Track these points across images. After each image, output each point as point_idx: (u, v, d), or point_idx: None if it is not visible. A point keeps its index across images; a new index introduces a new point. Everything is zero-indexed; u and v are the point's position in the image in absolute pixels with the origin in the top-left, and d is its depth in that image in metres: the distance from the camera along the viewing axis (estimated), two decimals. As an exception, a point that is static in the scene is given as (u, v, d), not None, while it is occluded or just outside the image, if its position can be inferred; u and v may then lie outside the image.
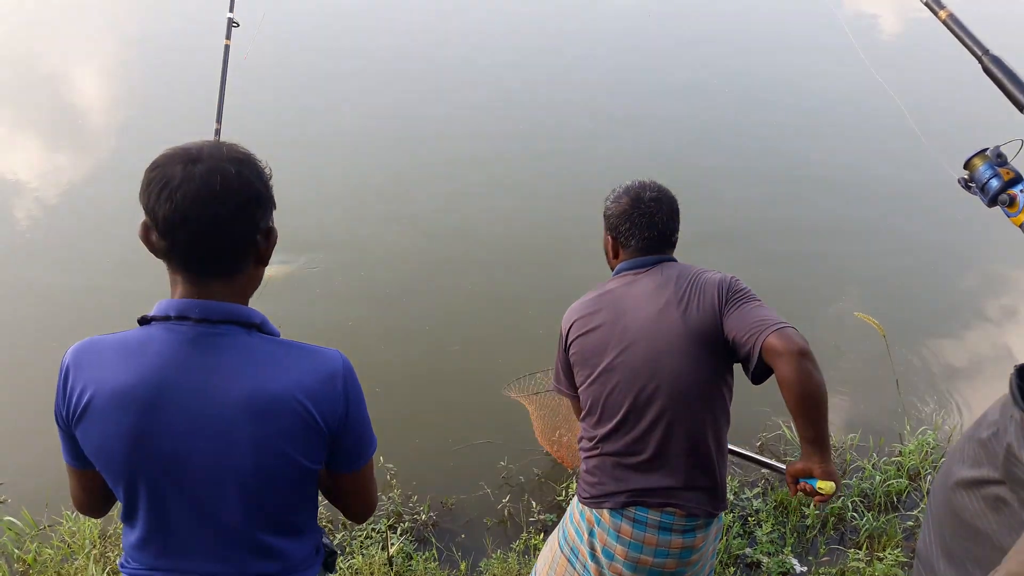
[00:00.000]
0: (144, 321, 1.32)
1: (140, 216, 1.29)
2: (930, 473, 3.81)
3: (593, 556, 2.08)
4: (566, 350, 2.17)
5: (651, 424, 1.99)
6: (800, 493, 1.92)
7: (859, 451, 3.98)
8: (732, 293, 2.00)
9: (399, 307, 5.15)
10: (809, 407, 1.82)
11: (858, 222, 6.42)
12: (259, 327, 1.34)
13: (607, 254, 2.27)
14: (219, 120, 3.02)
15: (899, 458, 3.89)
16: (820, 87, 8.96)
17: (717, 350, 1.99)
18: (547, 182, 6.71)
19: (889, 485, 3.71)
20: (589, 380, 2.09)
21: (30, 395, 4.24)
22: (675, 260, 2.17)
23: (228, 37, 2.99)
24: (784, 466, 2.02)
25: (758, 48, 10.16)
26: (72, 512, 3.43)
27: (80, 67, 9.41)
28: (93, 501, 1.49)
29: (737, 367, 2.04)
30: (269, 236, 1.36)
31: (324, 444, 1.35)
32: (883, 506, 3.66)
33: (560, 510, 3.61)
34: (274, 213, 1.39)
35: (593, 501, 2.08)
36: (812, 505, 3.53)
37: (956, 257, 6.14)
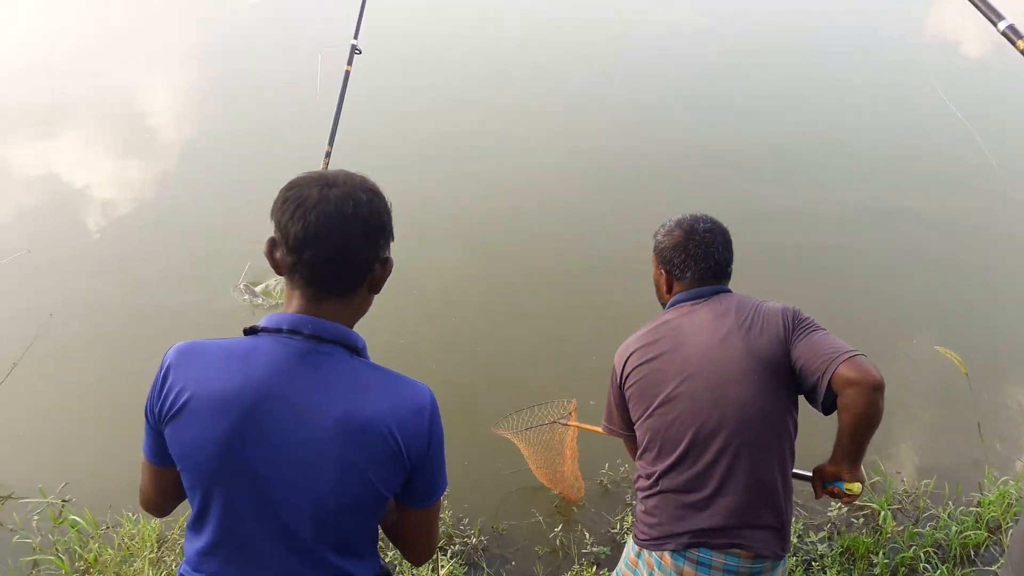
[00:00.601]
0: (251, 331, 1.36)
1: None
2: (1011, 526, 3.58)
3: None
4: (621, 386, 2.11)
5: (715, 457, 1.91)
6: (828, 496, 1.97)
7: (934, 499, 3.77)
8: (798, 322, 1.95)
9: (453, 326, 5.14)
10: (864, 434, 1.83)
11: (940, 253, 6.17)
12: (360, 352, 1.38)
13: (659, 290, 2.21)
14: (331, 143, 3.10)
15: (978, 509, 3.67)
16: (899, 119, 8.67)
17: (783, 379, 1.92)
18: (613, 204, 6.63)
19: (966, 537, 3.50)
20: (647, 413, 2.01)
21: (97, 400, 4.39)
22: (731, 291, 2.10)
23: (350, 63, 3.06)
24: (809, 473, 2.01)
25: (845, 83, 9.87)
26: (133, 514, 3.51)
27: (155, 84, 9.77)
28: (161, 500, 1.51)
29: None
30: (385, 266, 1.42)
31: (403, 475, 1.36)
32: (959, 559, 3.45)
33: (614, 543, 3.53)
34: None
35: (653, 543, 2.00)
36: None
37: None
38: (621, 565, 2.17)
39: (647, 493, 2.04)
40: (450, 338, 5.01)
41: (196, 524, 1.40)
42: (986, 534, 3.53)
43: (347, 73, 3.10)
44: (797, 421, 2.00)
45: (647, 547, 2.02)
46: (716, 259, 2.08)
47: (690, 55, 10.62)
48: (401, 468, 1.34)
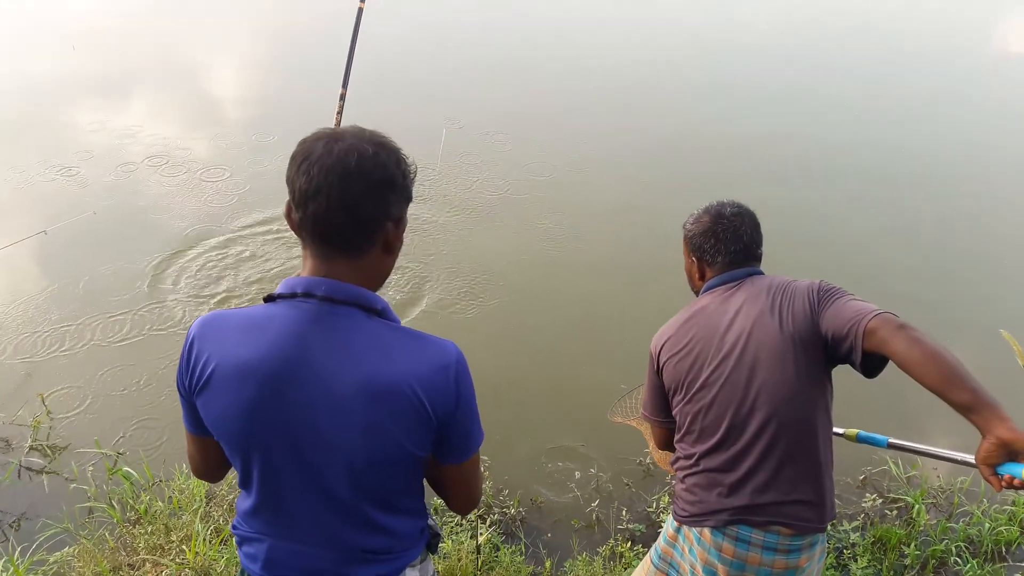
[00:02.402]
0: (270, 299, 1.36)
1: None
2: (1046, 525, 3.60)
3: (693, 574, 2.06)
4: (658, 372, 2.15)
5: (754, 436, 1.95)
6: (1007, 489, 1.57)
7: (969, 496, 3.79)
8: (823, 293, 1.96)
9: (507, 309, 5.23)
10: (941, 370, 1.61)
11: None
12: (380, 313, 1.35)
13: (691, 279, 2.24)
14: (345, 86, 2.94)
15: (1012, 507, 3.69)
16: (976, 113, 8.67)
17: (817, 354, 1.94)
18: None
19: (998, 534, 3.53)
20: (686, 398, 2.06)
21: (147, 361, 4.52)
22: (763, 273, 2.14)
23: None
24: (970, 457, 1.71)
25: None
26: (184, 469, 3.63)
27: (218, 58, 9.94)
28: (208, 467, 1.54)
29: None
30: (399, 225, 1.38)
31: (432, 433, 1.36)
32: (990, 554, 3.48)
33: (650, 521, 3.59)
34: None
35: (693, 520, 2.04)
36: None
37: None
38: (660, 541, 2.21)
39: (687, 472, 2.08)
40: (501, 322, 5.10)
41: (243, 485, 1.45)
42: (1018, 532, 3.55)
43: (360, 10, 2.90)
44: (833, 393, 2.01)
45: (687, 523, 2.06)
46: (746, 241, 2.11)
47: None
48: (428, 427, 1.34)
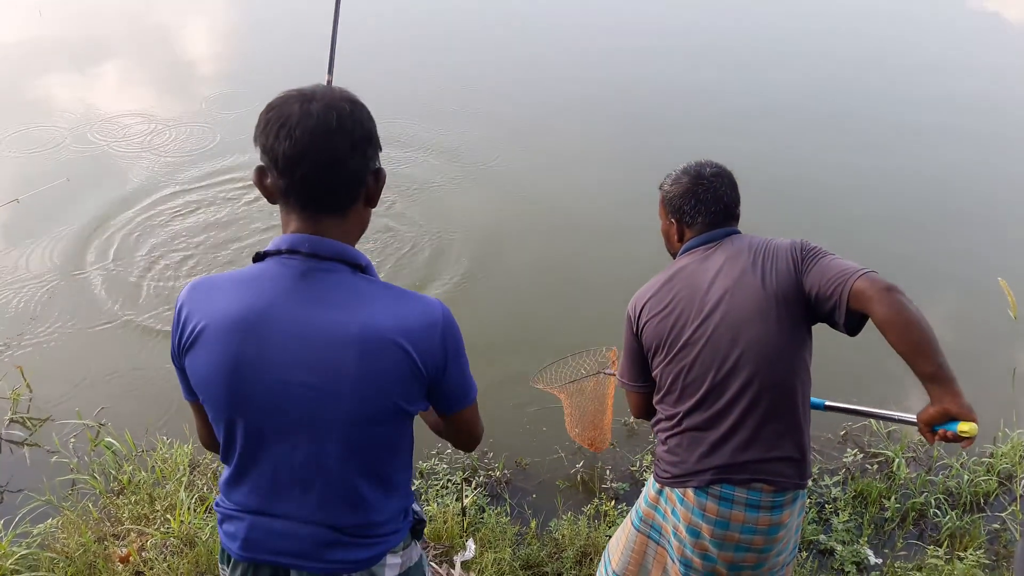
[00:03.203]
0: (259, 258, 1.36)
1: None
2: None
3: (676, 533, 2.07)
4: (637, 334, 2.13)
5: (736, 394, 1.95)
6: (940, 441, 1.75)
7: (948, 449, 3.83)
8: (806, 252, 1.96)
9: (486, 271, 5.21)
10: (916, 340, 1.71)
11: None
12: (364, 269, 1.36)
13: (668, 241, 2.22)
14: (330, 72, 2.97)
15: (991, 459, 3.74)
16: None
17: (799, 312, 1.94)
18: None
19: (977, 485, 3.59)
20: (668, 358, 2.04)
21: (134, 328, 4.48)
22: (741, 232, 2.13)
23: None
24: (913, 417, 1.88)
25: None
26: (167, 439, 3.62)
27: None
28: (214, 436, 1.49)
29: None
30: (378, 177, 1.38)
31: (423, 388, 1.37)
32: (968, 505, 3.54)
33: (634, 480, 3.62)
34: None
35: (675, 481, 2.05)
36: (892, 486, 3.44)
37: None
38: (641, 504, 2.22)
39: (669, 433, 2.08)
40: (481, 285, 5.08)
41: (225, 454, 1.42)
42: (996, 482, 3.61)
43: None
44: (812, 350, 2.03)
45: (669, 484, 2.07)
46: (726, 202, 2.10)
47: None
48: (420, 382, 1.35)
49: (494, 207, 5.93)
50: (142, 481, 3.39)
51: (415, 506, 1.55)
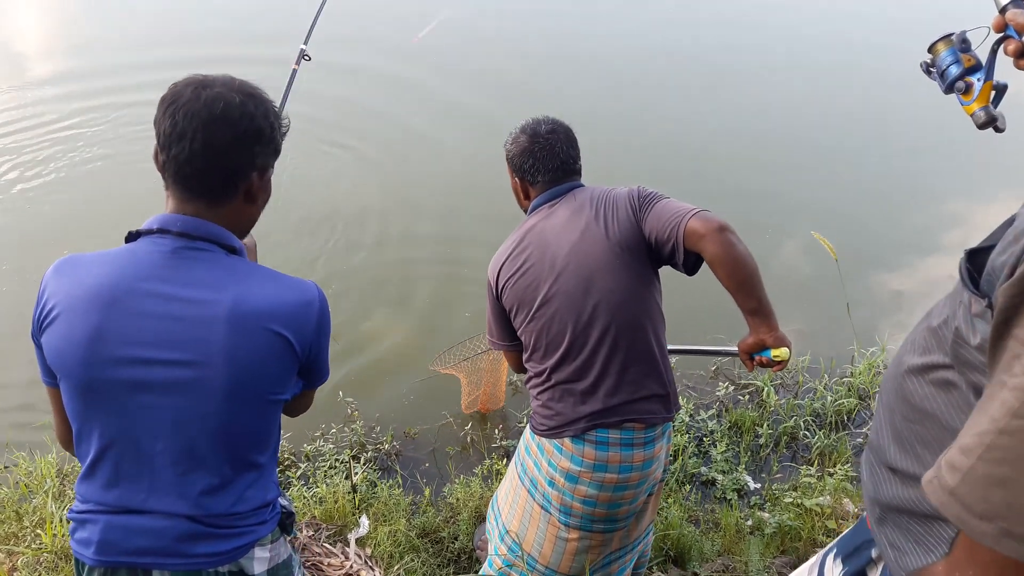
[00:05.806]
0: (131, 237, 1.35)
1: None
2: (878, 391, 3.93)
3: (552, 483, 2.12)
4: (498, 298, 2.18)
5: (596, 344, 2.03)
6: (758, 367, 2.01)
7: (811, 373, 4.09)
8: (643, 198, 2.05)
9: (362, 239, 5.12)
10: (743, 277, 1.88)
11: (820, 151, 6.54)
12: (237, 252, 1.36)
13: (518, 197, 2.29)
14: (306, 42, 3.08)
15: (849, 379, 4.01)
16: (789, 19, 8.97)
17: (643, 257, 2.03)
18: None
19: (839, 405, 3.84)
20: (529, 317, 2.10)
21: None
22: (583, 185, 2.20)
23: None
24: (735, 348, 2.07)
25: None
26: (29, 451, 3.39)
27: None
28: (71, 432, 1.40)
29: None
30: (264, 176, 1.39)
31: (296, 366, 1.38)
32: (834, 424, 3.79)
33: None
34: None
35: (552, 432, 2.10)
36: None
37: (915, 188, 6.21)
38: (521, 455, 2.27)
39: (541, 388, 2.14)
40: (356, 257, 4.98)
41: (79, 443, 1.36)
42: (857, 401, 3.87)
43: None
44: (661, 290, 2.13)
45: (547, 436, 2.13)
46: (562, 158, 2.16)
47: None
48: (294, 360, 1.36)
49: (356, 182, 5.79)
50: (6, 498, 3.18)
51: (282, 500, 1.52)
